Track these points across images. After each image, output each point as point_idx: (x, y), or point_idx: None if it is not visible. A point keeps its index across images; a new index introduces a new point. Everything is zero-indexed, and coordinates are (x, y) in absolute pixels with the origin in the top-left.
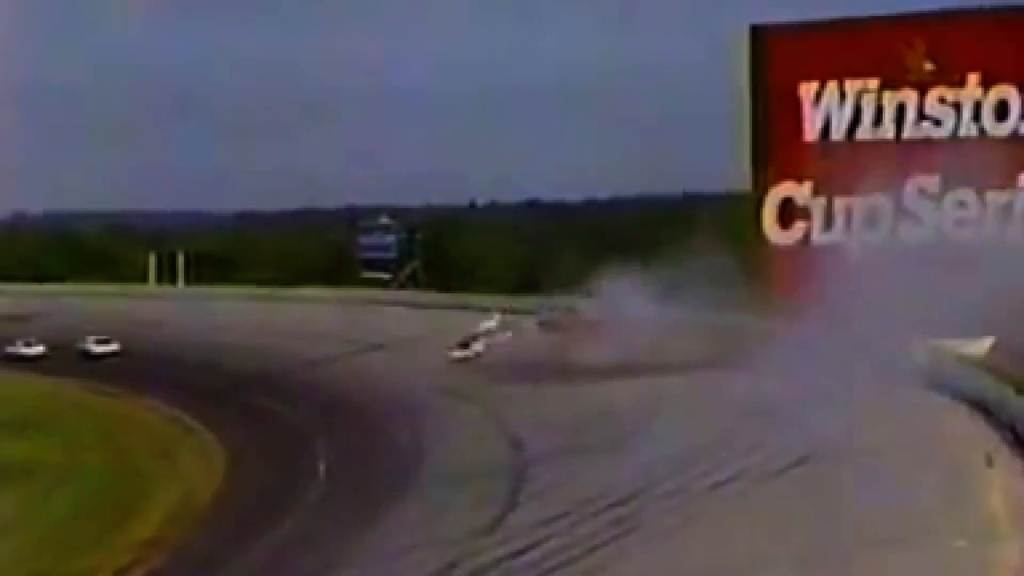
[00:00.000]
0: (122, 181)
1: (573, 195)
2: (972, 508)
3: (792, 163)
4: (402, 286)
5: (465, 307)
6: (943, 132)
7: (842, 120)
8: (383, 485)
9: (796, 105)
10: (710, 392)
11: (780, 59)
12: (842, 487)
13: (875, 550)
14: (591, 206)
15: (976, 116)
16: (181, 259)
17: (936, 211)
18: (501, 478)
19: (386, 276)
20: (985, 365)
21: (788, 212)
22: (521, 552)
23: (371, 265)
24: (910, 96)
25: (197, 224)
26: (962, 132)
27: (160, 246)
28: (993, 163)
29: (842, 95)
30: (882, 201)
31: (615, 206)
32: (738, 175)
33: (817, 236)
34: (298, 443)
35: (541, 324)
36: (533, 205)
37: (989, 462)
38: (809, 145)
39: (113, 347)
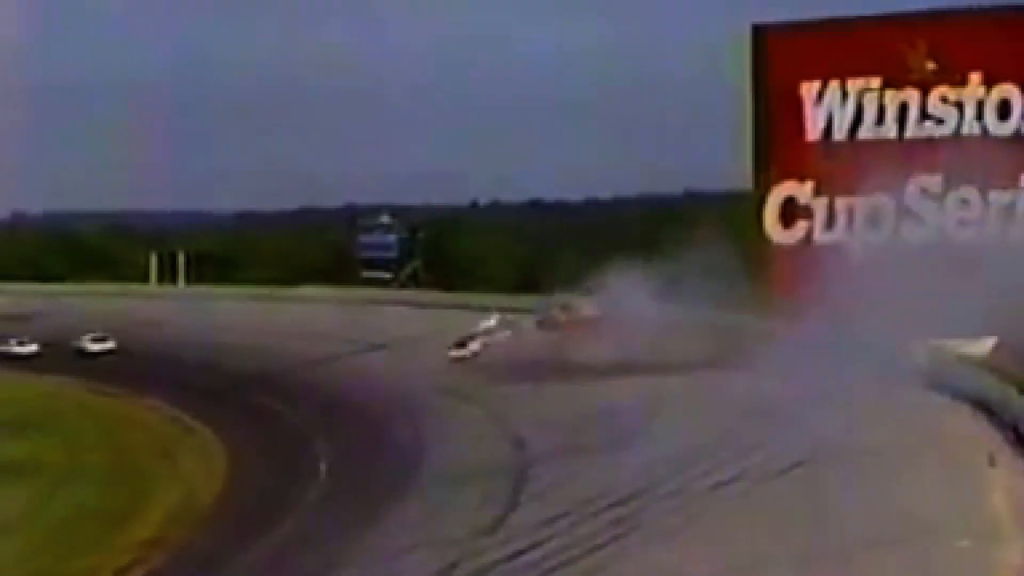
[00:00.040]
0: (122, 181)
1: (574, 195)
2: (975, 508)
3: (794, 162)
4: (403, 286)
5: (466, 307)
6: (945, 131)
7: (844, 119)
8: (384, 485)
9: (798, 104)
10: (711, 392)
11: (782, 58)
12: (843, 487)
13: (876, 550)
14: (592, 206)
15: (978, 115)
16: (181, 259)
17: (938, 211)
18: (502, 478)
19: (387, 276)
20: (987, 365)
21: (790, 211)
22: (522, 552)
23: (371, 264)
24: (912, 95)
25: (197, 224)
26: (964, 131)
27: (160, 246)
28: (995, 162)
29: (844, 94)
30: (884, 200)
31: (617, 206)
32: (740, 174)
33: (819, 236)
34: (299, 443)
35: (539, 323)
36: (535, 205)
37: (992, 462)
38: (811, 144)
39: (109, 345)
